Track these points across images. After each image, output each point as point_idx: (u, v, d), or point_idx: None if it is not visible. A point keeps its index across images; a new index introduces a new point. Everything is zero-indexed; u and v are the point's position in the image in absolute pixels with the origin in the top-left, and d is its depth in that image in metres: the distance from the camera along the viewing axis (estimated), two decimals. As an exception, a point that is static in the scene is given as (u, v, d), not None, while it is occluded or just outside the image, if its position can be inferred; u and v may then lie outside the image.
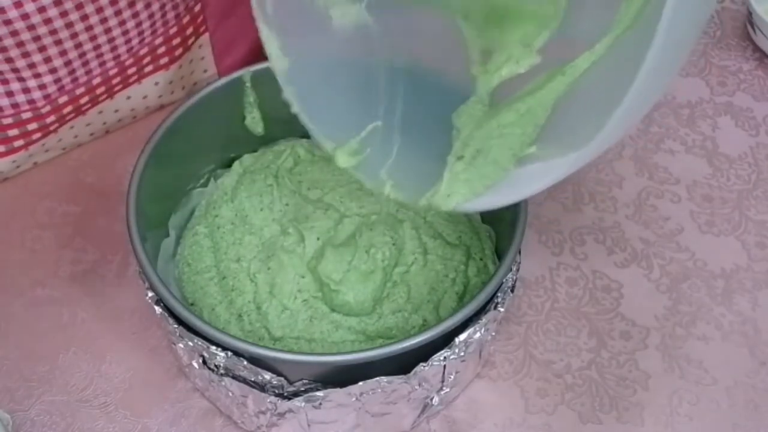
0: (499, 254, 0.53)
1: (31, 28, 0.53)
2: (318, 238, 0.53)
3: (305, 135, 0.60)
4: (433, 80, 0.48)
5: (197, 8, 0.61)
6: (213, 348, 0.44)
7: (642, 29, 0.38)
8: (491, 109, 0.46)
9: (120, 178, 0.62)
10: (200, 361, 0.46)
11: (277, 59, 0.46)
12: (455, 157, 0.45)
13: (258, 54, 0.51)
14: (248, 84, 0.55)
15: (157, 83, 0.63)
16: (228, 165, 0.58)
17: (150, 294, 0.46)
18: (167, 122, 0.52)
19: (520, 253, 0.49)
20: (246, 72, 0.54)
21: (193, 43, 0.63)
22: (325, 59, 0.48)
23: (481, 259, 0.53)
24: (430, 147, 0.46)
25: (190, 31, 0.62)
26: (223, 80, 0.54)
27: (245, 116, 0.57)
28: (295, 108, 0.47)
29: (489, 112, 0.45)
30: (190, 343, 0.45)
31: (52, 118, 0.59)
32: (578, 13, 0.44)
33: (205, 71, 0.66)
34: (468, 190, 0.44)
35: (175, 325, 0.45)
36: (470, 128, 0.45)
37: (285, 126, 0.58)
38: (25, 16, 0.52)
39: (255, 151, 0.59)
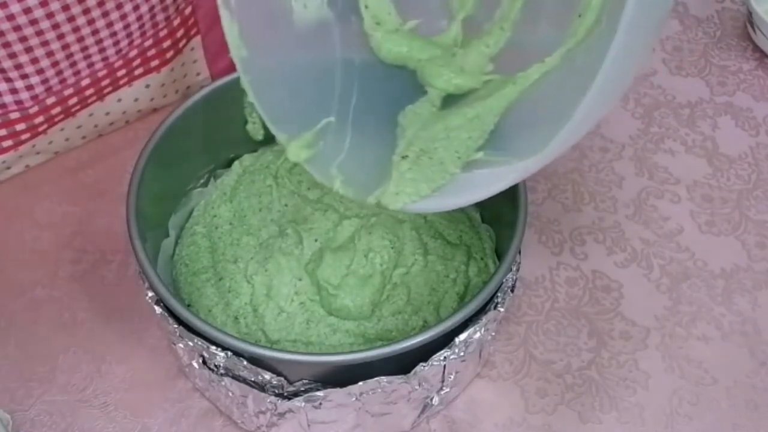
0: (499, 254, 0.53)
1: (17, 28, 0.52)
2: (316, 240, 0.53)
3: (305, 135, 0.60)
4: (389, 79, 0.48)
5: (188, 11, 0.61)
6: (213, 348, 0.44)
7: (594, 44, 0.38)
8: (439, 111, 0.46)
9: (120, 178, 0.62)
10: (200, 361, 0.46)
11: (236, 47, 0.46)
12: (399, 156, 0.45)
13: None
14: (248, 84, 0.55)
15: (148, 86, 0.63)
16: (228, 165, 0.58)
17: (150, 294, 0.46)
18: (167, 122, 0.52)
19: (520, 253, 0.49)
20: (246, 72, 0.54)
21: (184, 45, 0.63)
22: (284, 51, 0.48)
23: (482, 259, 0.53)
24: (382, 145, 0.46)
25: (180, 33, 0.62)
26: (223, 80, 0.54)
27: (246, 120, 0.57)
28: (251, 97, 0.47)
29: (437, 114, 0.46)
30: (190, 343, 0.45)
31: (40, 118, 0.59)
32: (531, 26, 0.44)
33: (198, 74, 0.66)
34: (413, 190, 0.43)
35: (175, 325, 0.45)
36: (416, 128, 0.45)
37: (285, 126, 0.58)
38: (10, 17, 0.52)
39: (255, 151, 0.59)
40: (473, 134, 0.43)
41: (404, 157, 0.44)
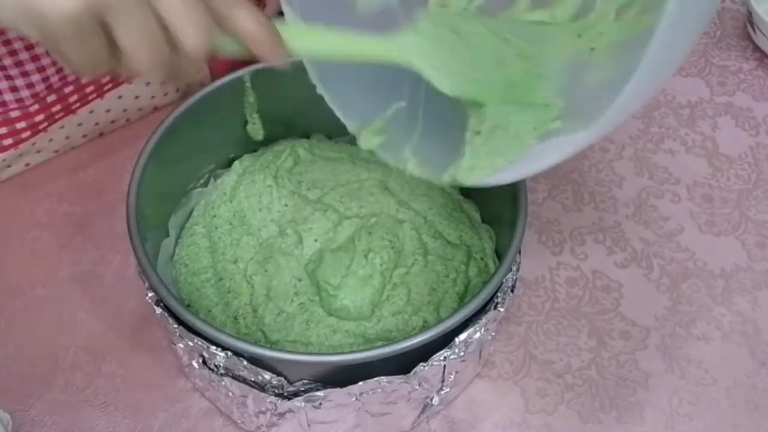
0: (499, 254, 0.53)
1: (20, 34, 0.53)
2: (316, 240, 0.53)
3: (305, 135, 0.60)
4: None
5: None
6: (213, 348, 0.44)
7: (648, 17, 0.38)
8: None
9: (120, 178, 0.62)
10: (200, 361, 0.45)
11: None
12: (473, 131, 0.45)
13: (252, 58, 0.51)
14: (248, 84, 0.55)
15: (148, 84, 0.63)
16: (228, 165, 0.58)
17: (150, 294, 0.46)
18: (167, 122, 0.52)
19: (520, 253, 0.49)
20: (246, 72, 0.54)
21: None
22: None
23: (482, 259, 0.53)
24: (455, 125, 0.46)
25: None
26: (223, 80, 0.54)
27: (246, 121, 0.57)
28: (320, 89, 0.47)
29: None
30: (190, 343, 0.45)
31: (41, 116, 0.59)
32: None
33: (198, 72, 0.66)
34: (488, 163, 0.43)
35: (175, 325, 0.45)
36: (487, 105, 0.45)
37: (285, 126, 0.58)
38: None
39: (255, 151, 0.58)
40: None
41: (477, 133, 0.44)
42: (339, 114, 0.48)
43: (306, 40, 0.40)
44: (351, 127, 0.48)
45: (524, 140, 0.43)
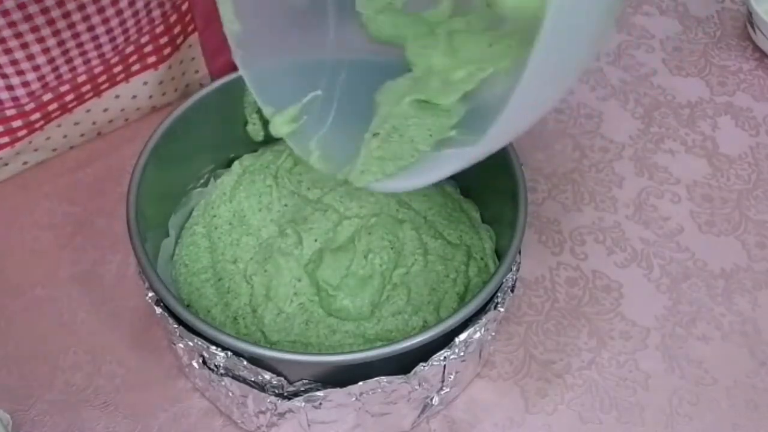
0: (499, 254, 0.53)
1: (12, 24, 0.53)
2: (316, 240, 0.53)
3: (305, 135, 0.60)
4: (379, 56, 0.48)
5: (185, 7, 0.61)
6: (213, 348, 0.44)
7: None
8: (414, 84, 0.46)
9: (120, 179, 0.62)
10: (200, 361, 0.45)
11: (229, 22, 0.47)
12: (371, 133, 0.45)
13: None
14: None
15: (146, 83, 0.63)
16: (228, 165, 0.58)
17: (150, 294, 0.46)
18: (167, 122, 0.52)
19: (520, 253, 0.49)
20: (246, 72, 0.54)
21: (182, 42, 0.63)
22: (278, 27, 0.49)
23: (482, 259, 0.53)
24: (362, 123, 0.46)
25: (177, 30, 0.62)
26: (223, 80, 0.54)
27: (247, 121, 0.57)
28: (241, 71, 0.48)
29: (411, 88, 0.45)
30: (190, 343, 0.45)
31: (37, 115, 0.59)
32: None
33: (197, 72, 0.66)
34: (379, 168, 0.43)
35: (175, 325, 0.45)
36: (390, 104, 0.45)
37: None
38: (5, 13, 0.52)
39: (255, 151, 0.58)
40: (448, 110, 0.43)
41: (375, 135, 0.45)
42: (257, 98, 0.49)
43: None
44: (267, 112, 0.48)
45: (418, 146, 0.43)
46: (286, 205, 0.55)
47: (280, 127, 0.48)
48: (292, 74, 0.49)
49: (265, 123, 0.57)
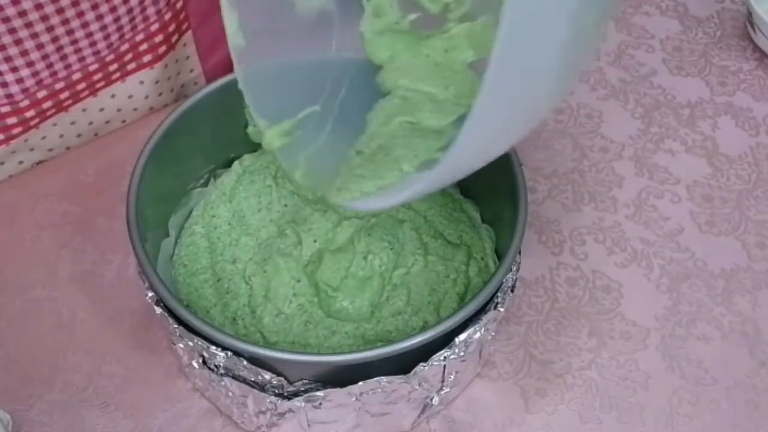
0: (499, 254, 0.53)
1: (6, 20, 0.52)
2: (315, 241, 0.53)
3: (305, 135, 0.60)
4: (379, 78, 0.48)
5: (179, 5, 0.61)
6: (213, 348, 0.44)
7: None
8: (404, 104, 0.45)
9: (120, 178, 0.62)
10: (200, 361, 0.45)
11: (233, 36, 0.47)
12: (355, 150, 0.44)
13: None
14: (248, 84, 0.55)
15: (142, 82, 0.63)
16: (228, 165, 0.58)
17: (150, 294, 0.46)
18: (167, 122, 0.52)
19: (520, 253, 0.49)
20: (246, 72, 0.54)
21: (177, 41, 0.63)
22: (282, 43, 0.49)
23: (482, 259, 0.53)
24: (353, 142, 0.46)
25: (172, 28, 0.62)
26: (223, 80, 0.54)
27: (247, 122, 0.57)
28: (240, 85, 0.47)
29: (402, 108, 0.45)
30: (190, 343, 0.45)
31: (31, 112, 0.59)
32: None
33: (192, 71, 0.66)
34: (356, 186, 0.42)
35: (175, 325, 0.45)
36: (378, 123, 0.45)
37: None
38: None
39: (255, 151, 0.58)
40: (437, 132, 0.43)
41: (359, 153, 0.44)
42: (252, 111, 0.48)
43: None
44: (261, 125, 0.48)
45: (402, 166, 0.42)
46: (285, 206, 0.55)
47: (272, 140, 0.47)
48: (291, 89, 0.49)
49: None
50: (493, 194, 0.52)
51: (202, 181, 0.57)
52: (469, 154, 0.36)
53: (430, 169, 0.41)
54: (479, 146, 0.36)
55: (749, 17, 0.71)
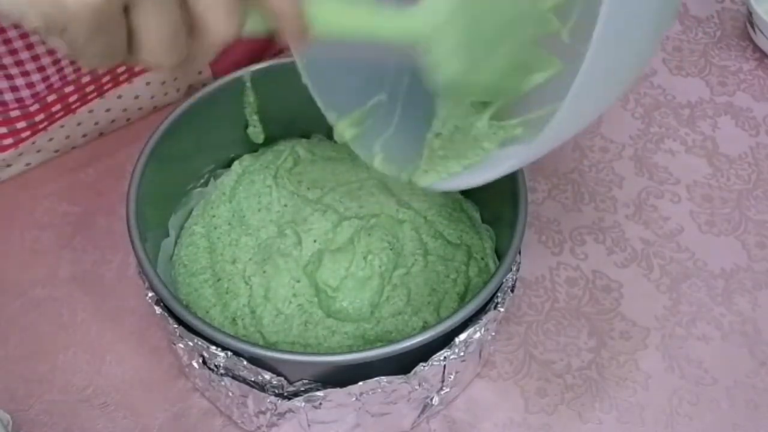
0: (499, 254, 0.53)
1: (17, 25, 0.52)
2: (315, 241, 0.53)
3: (305, 135, 0.60)
4: None
5: None
6: (213, 348, 0.44)
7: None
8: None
9: (120, 179, 0.62)
10: (200, 361, 0.45)
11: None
12: (433, 133, 0.45)
13: (252, 55, 0.51)
14: (248, 84, 0.55)
15: (148, 83, 0.63)
16: (228, 165, 0.58)
17: (150, 294, 0.46)
18: (167, 122, 0.52)
19: (520, 253, 0.49)
20: (246, 72, 0.54)
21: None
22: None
23: (482, 259, 0.53)
24: (426, 125, 0.46)
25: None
26: (223, 80, 0.54)
27: (247, 123, 0.57)
28: (305, 79, 0.47)
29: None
30: (190, 343, 0.45)
31: (41, 116, 0.59)
32: None
33: (199, 73, 0.66)
34: (443, 168, 0.43)
35: (175, 325, 0.45)
36: (452, 106, 0.45)
37: (285, 126, 0.58)
38: None
39: (255, 151, 0.58)
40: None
41: (438, 135, 0.44)
42: (320, 104, 0.48)
43: (331, 16, 0.39)
44: (330, 118, 0.48)
45: (483, 144, 0.42)
46: (285, 206, 0.55)
47: (343, 131, 0.48)
48: (356, 78, 0.48)
49: (265, 123, 0.57)
50: (493, 194, 0.52)
51: (202, 181, 0.57)
52: (573, 120, 0.36)
53: (510, 145, 0.42)
54: (581, 113, 0.37)
55: (749, 17, 0.71)
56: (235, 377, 0.45)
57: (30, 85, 0.57)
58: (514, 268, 0.48)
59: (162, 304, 0.46)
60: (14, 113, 0.58)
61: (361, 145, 0.48)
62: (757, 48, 0.72)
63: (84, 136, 0.64)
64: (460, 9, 0.41)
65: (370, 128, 0.48)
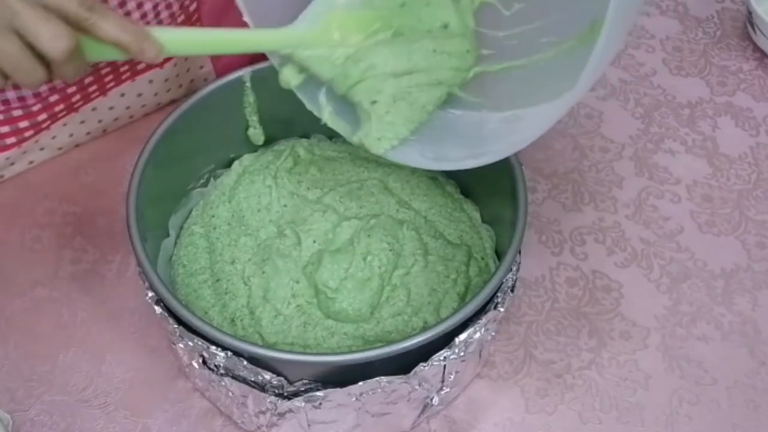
0: (499, 254, 0.53)
1: None
2: (315, 242, 0.53)
3: (305, 135, 0.60)
4: None
5: (192, 7, 0.61)
6: (213, 348, 0.44)
7: None
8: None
9: (120, 178, 0.62)
10: (200, 361, 0.45)
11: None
12: (369, 101, 0.46)
13: (255, 53, 0.51)
14: (248, 84, 0.55)
15: (151, 81, 0.63)
16: (228, 165, 0.58)
17: (150, 294, 0.46)
18: (167, 122, 0.52)
19: (520, 253, 0.49)
20: (246, 72, 0.54)
21: None
22: None
23: (482, 259, 0.53)
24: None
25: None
26: (223, 80, 0.54)
27: (248, 124, 0.57)
28: (246, 17, 0.49)
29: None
30: (190, 343, 0.45)
31: (43, 115, 0.59)
32: None
33: (202, 67, 0.66)
34: (393, 133, 0.45)
35: (175, 325, 0.45)
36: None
37: (284, 126, 0.58)
38: None
39: (255, 151, 0.58)
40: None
41: (374, 102, 0.46)
42: (249, 21, 0.49)
43: (180, 41, 0.44)
44: (275, 62, 0.49)
45: (426, 107, 0.45)
46: (285, 206, 0.55)
47: (290, 77, 0.48)
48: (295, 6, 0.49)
49: (266, 125, 0.57)
50: (493, 194, 0.53)
51: (202, 181, 0.57)
52: (598, 74, 0.39)
53: (450, 108, 0.45)
54: (603, 66, 0.39)
55: (749, 17, 0.71)
56: (235, 377, 0.45)
57: None
58: (514, 268, 0.48)
59: (162, 304, 0.46)
60: (16, 112, 0.58)
61: (307, 96, 0.49)
62: (757, 48, 0.72)
63: (87, 134, 0.64)
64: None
65: (314, 77, 0.48)
